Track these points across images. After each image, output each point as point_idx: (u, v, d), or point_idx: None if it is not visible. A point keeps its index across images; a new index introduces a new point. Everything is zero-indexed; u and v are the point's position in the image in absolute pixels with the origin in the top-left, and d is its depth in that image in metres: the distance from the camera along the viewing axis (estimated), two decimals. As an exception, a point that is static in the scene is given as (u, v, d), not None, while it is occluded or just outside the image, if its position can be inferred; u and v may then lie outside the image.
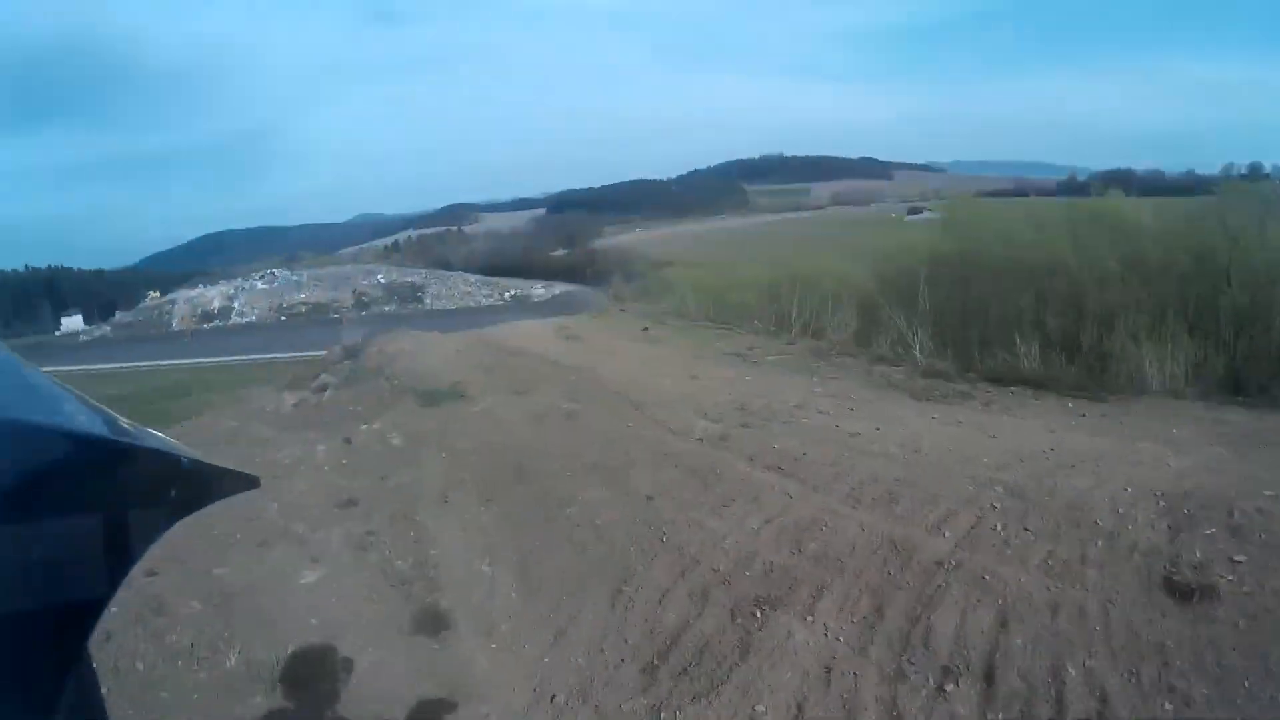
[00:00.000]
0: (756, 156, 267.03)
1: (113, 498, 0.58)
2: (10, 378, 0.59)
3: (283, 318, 75.11)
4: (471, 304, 75.72)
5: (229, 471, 0.76)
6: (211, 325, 73.79)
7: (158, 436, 0.66)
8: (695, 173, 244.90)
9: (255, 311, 77.42)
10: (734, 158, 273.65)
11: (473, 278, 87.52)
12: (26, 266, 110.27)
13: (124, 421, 0.62)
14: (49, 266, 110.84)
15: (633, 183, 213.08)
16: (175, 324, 74.78)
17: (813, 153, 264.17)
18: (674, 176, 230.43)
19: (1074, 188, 74.66)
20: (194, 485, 0.68)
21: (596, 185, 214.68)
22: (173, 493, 0.64)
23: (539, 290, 78.18)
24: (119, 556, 0.58)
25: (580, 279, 74.27)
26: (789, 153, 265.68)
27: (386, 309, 76.44)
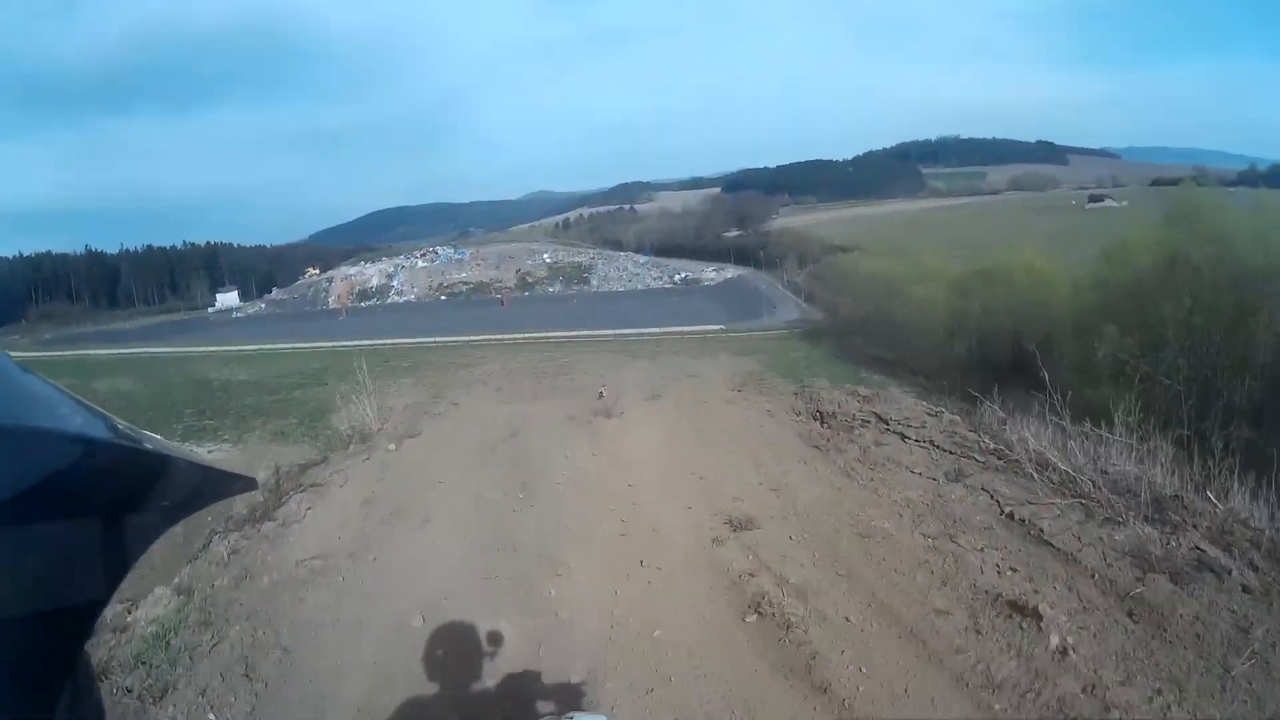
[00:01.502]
0: (933, 139, 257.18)
1: (110, 500, 0.56)
2: (5, 381, 0.56)
3: (442, 297, 72.51)
4: (639, 286, 72.02)
5: (226, 474, 0.74)
6: (368, 303, 71.83)
7: (155, 438, 0.64)
8: (871, 153, 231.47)
9: (414, 290, 75.52)
10: (909, 139, 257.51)
11: (641, 258, 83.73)
12: (185, 242, 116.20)
13: (120, 423, 0.60)
14: (208, 242, 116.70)
15: (808, 163, 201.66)
16: (331, 302, 74.12)
17: (987, 135, 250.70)
18: (849, 157, 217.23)
19: (1254, 178, 72.64)
20: (191, 487, 0.66)
21: (772, 165, 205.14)
22: (170, 495, 0.63)
23: (710, 274, 73.10)
24: (116, 559, 0.57)
25: (753, 262, 71.68)
26: (964, 134, 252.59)
27: (551, 290, 73.23)
